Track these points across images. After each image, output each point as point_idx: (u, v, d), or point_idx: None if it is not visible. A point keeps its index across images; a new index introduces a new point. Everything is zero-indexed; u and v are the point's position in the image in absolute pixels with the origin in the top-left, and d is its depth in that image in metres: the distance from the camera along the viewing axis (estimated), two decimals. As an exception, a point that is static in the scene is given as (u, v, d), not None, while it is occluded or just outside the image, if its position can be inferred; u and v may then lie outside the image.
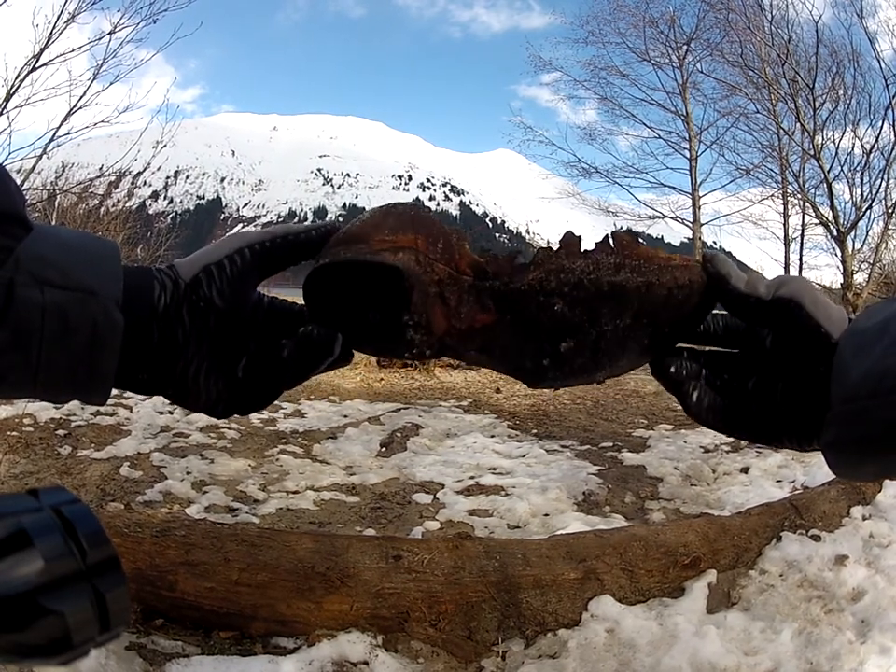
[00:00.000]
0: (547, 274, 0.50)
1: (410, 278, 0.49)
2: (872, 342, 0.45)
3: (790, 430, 0.53)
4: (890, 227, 10.41)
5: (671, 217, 13.76)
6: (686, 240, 15.43)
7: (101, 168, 7.57)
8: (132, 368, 0.49)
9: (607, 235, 0.52)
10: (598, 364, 0.53)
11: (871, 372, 0.44)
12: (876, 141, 10.19)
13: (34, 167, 6.44)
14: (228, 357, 0.53)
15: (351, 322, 0.54)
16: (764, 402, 0.53)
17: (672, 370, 0.54)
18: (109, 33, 6.22)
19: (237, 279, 0.53)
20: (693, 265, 0.52)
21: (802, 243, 12.32)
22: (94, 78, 6.20)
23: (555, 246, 0.51)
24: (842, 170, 10.62)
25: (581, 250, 0.51)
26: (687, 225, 13.39)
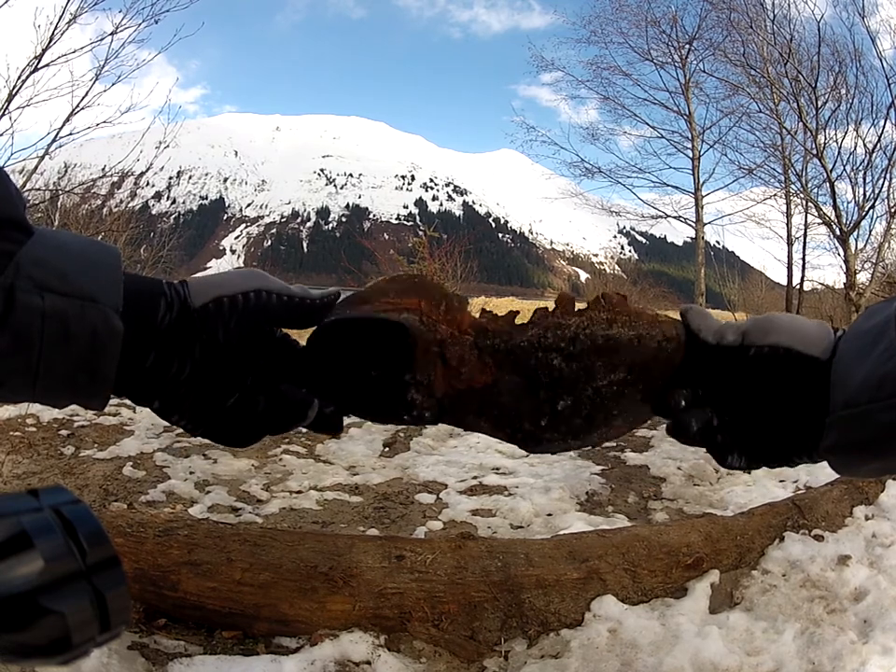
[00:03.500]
0: (545, 331, 0.53)
1: (414, 335, 0.52)
2: (871, 344, 0.45)
3: (795, 440, 0.53)
4: (893, 226, 10.38)
5: (674, 217, 13.73)
6: (689, 239, 15.39)
7: (103, 168, 7.60)
8: (124, 376, 0.49)
9: (598, 295, 0.56)
10: (593, 423, 0.54)
11: (870, 377, 0.44)
12: (879, 140, 10.17)
13: (36, 168, 6.45)
14: (218, 388, 0.52)
15: (353, 381, 0.54)
16: (766, 420, 0.54)
17: (674, 399, 0.54)
18: (111, 33, 6.24)
19: (246, 318, 0.52)
20: (679, 321, 0.55)
21: (805, 242, 12.30)
22: (96, 79, 6.22)
23: (552, 306, 0.55)
24: (844, 169, 10.59)
25: (576, 309, 0.55)
26: (690, 225, 13.36)
